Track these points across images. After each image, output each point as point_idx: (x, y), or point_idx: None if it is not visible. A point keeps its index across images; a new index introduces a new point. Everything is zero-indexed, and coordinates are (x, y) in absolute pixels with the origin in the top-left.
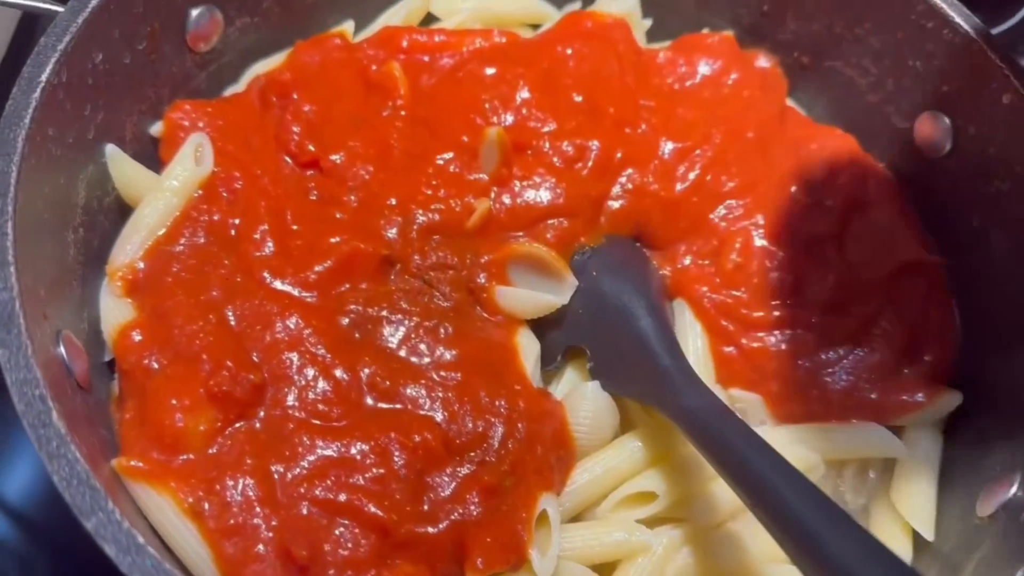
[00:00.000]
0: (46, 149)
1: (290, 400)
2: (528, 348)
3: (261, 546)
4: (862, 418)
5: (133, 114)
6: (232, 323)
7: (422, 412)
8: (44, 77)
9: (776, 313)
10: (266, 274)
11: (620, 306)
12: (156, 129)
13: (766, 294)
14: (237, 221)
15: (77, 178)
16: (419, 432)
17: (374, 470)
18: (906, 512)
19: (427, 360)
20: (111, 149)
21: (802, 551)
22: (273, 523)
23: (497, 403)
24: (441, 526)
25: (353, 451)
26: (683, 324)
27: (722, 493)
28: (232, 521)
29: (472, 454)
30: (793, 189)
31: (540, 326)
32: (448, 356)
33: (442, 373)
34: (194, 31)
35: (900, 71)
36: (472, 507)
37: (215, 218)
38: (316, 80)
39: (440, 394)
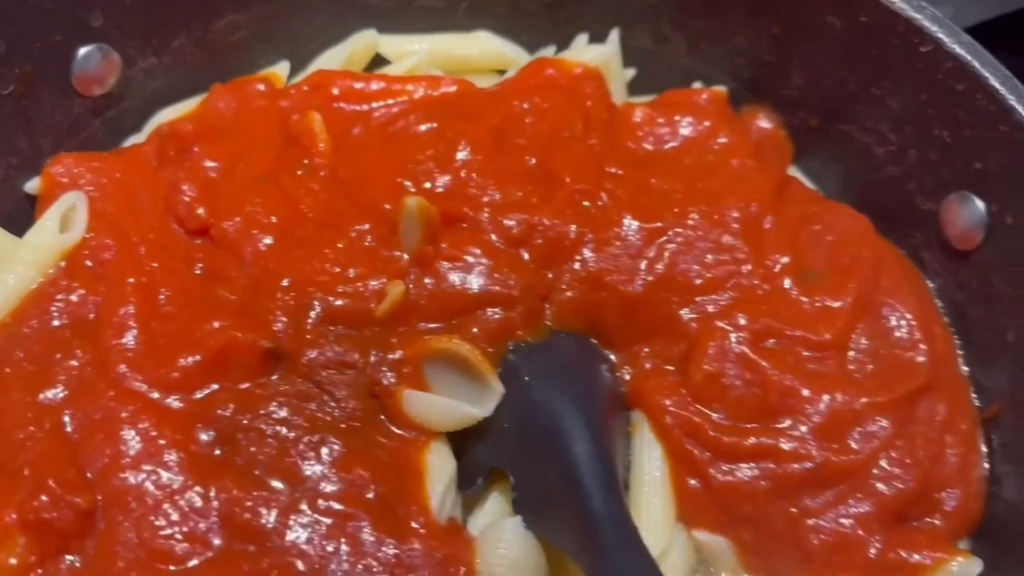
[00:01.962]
0: None
1: (125, 532)
2: (438, 470)
3: None
4: None
5: (0, 168)
6: (69, 431)
7: (287, 558)
8: None
9: (753, 439)
10: (122, 368)
11: (552, 424)
12: (31, 186)
13: (743, 414)
14: (99, 300)
15: None
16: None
17: None
18: None
19: (302, 488)
20: None
21: None
22: None
23: (384, 548)
24: None
25: None
26: (640, 444)
27: None
28: None
29: None
30: (787, 283)
31: (461, 439)
32: (330, 483)
33: (319, 504)
34: (82, 73)
35: (924, 141)
36: None
37: (74, 297)
38: (226, 132)
39: (311, 534)
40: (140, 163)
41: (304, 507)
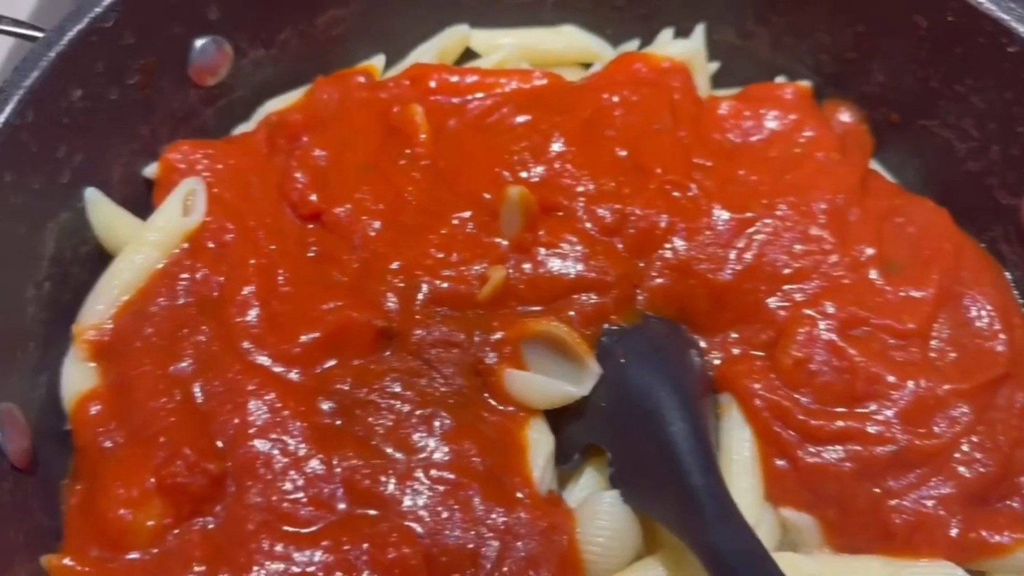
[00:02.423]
0: (1, 197)
1: (254, 497)
2: (539, 445)
3: None
4: (935, 556)
5: (122, 154)
6: (200, 401)
7: (405, 522)
8: (2, 119)
9: (840, 423)
10: (246, 344)
11: (649, 404)
12: (150, 171)
13: (830, 399)
14: (222, 280)
15: (44, 227)
16: (397, 547)
17: None
18: None
19: (417, 457)
20: (91, 193)
21: None
22: None
23: (493, 515)
24: None
25: (318, 563)
26: (729, 425)
27: None
28: None
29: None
30: (872, 274)
31: (558, 416)
32: (442, 453)
33: (433, 474)
34: (198, 64)
35: (1008, 138)
36: None
37: (198, 276)
38: (331, 122)
39: (427, 500)
40: (251, 150)
41: (419, 475)
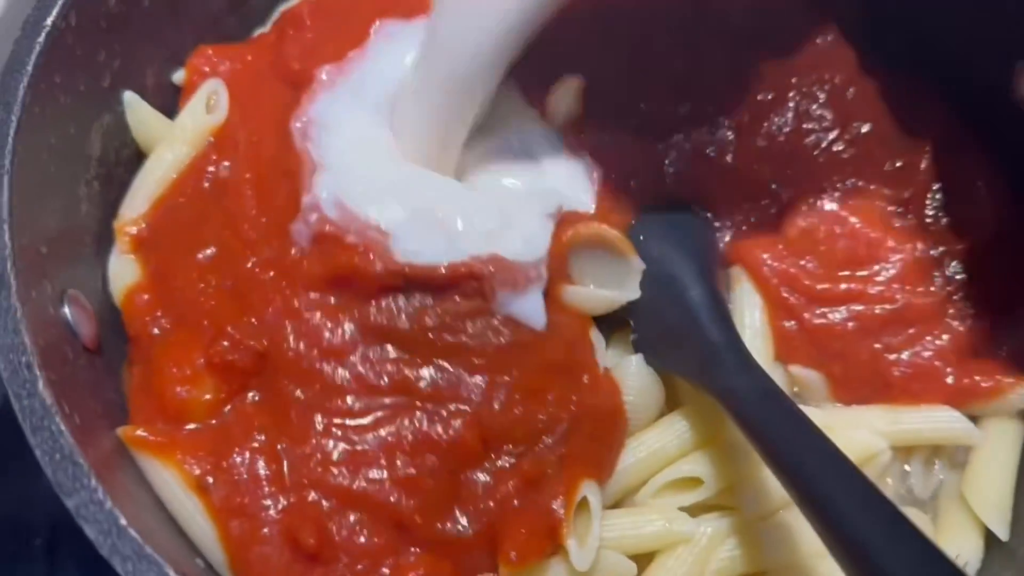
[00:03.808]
0: (52, 97)
1: (304, 368)
2: (597, 339)
3: (267, 528)
4: (934, 402)
5: (155, 61)
6: (230, 286)
7: (465, 401)
8: (50, 20)
9: (844, 286)
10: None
11: (668, 274)
12: (178, 77)
13: (834, 264)
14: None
15: (91, 128)
16: (454, 425)
17: (399, 465)
18: (978, 507)
19: (476, 342)
20: (129, 96)
21: (850, 559)
22: (280, 506)
23: (563, 397)
24: (473, 527)
25: (375, 439)
26: (740, 294)
27: (774, 482)
28: (238, 500)
29: (515, 447)
30: (869, 147)
31: None
32: (502, 338)
33: (488, 355)
34: None
35: None
36: (509, 499)
37: (221, 170)
38: (337, 9)
39: (485, 380)
40: (264, 47)
41: (474, 359)
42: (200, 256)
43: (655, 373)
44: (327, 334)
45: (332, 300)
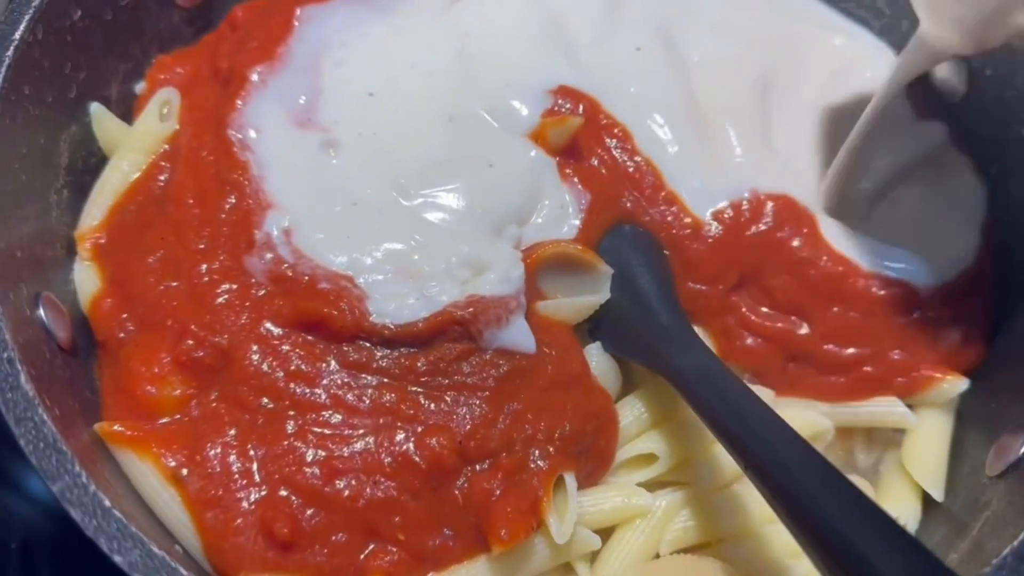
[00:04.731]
0: (22, 108)
1: (264, 366)
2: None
3: (241, 519)
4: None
5: (118, 72)
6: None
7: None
8: (18, 35)
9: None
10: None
11: (618, 264)
12: (140, 88)
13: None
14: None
15: (59, 138)
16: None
17: (380, 481)
18: (916, 473)
19: (476, 379)
20: (95, 108)
21: (798, 523)
22: (254, 498)
23: (561, 411)
24: (458, 536)
25: (351, 452)
26: None
27: (725, 456)
28: (213, 491)
29: (497, 454)
30: None
31: None
32: (501, 370)
33: (490, 388)
34: None
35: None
36: (491, 492)
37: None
38: (270, 12)
39: (484, 408)
40: (208, 50)
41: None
42: (151, 260)
43: (612, 358)
44: (297, 362)
45: (301, 338)
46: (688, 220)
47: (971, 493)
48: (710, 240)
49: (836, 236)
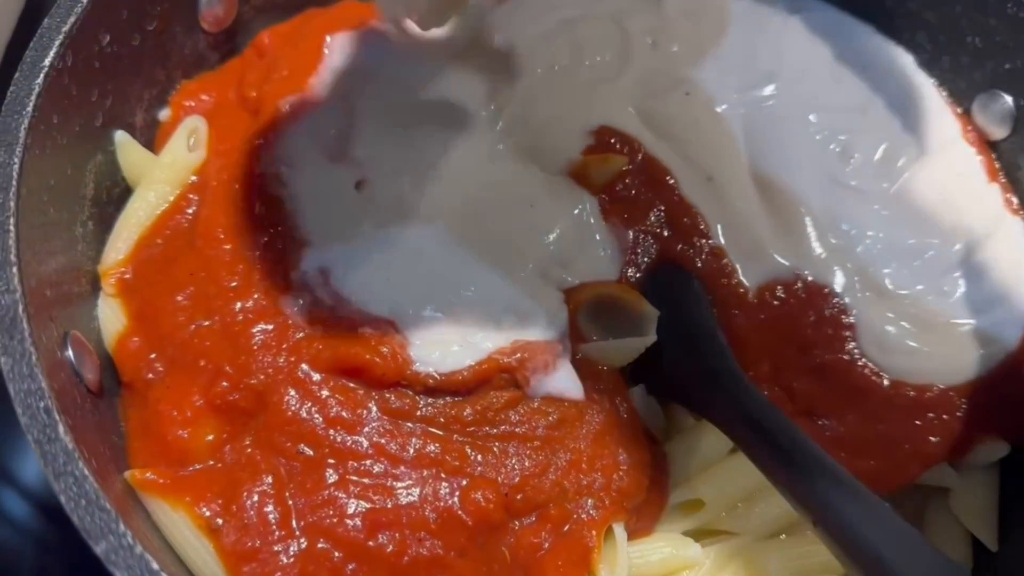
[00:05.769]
0: (51, 138)
1: (302, 411)
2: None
3: (280, 574)
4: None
5: (143, 99)
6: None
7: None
8: (47, 61)
9: None
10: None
11: (662, 305)
12: (164, 115)
13: None
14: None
15: (85, 168)
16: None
17: (425, 538)
18: (967, 520)
19: (525, 428)
20: (120, 136)
21: (865, 570)
22: (293, 551)
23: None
24: None
25: (395, 505)
26: None
27: (774, 504)
28: (249, 543)
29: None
30: None
31: None
32: (550, 419)
33: (540, 438)
34: (207, 12)
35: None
36: (540, 546)
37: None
38: (299, 38)
39: (533, 459)
40: (234, 75)
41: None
42: (180, 297)
43: (656, 402)
44: (337, 408)
45: (341, 383)
46: (735, 283)
47: None
48: (756, 320)
49: (872, 341)
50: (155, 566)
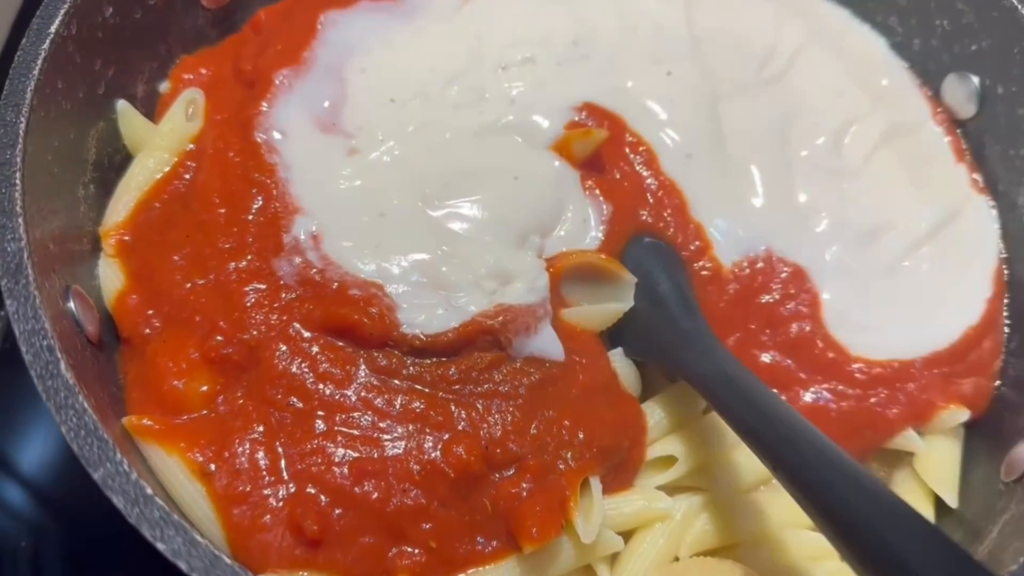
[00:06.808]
0: (55, 102)
1: (293, 367)
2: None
3: (268, 516)
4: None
5: (144, 71)
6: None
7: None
8: (53, 28)
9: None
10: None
11: (639, 272)
12: (164, 87)
13: None
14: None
15: (87, 133)
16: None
17: (410, 489)
18: (930, 479)
19: (508, 387)
20: (122, 105)
21: (828, 517)
22: (282, 495)
23: (592, 418)
24: (490, 541)
25: (381, 455)
26: None
27: (745, 460)
28: (240, 487)
29: (524, 458)
30: None
31: None
32: (532, 378)
33: (523, 396)
34: None
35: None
36: (519, 495)
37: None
38: (291, 15)
39: (514, 415)
40: (231, 51)
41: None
42: (176, 257)
43: (632, 364)
44: (327, 364)
45: (331, 342)
46: (711, 265)
47: (986, 499)
48: (728, 294)
49: (836, 318)
50: (149, 491)
